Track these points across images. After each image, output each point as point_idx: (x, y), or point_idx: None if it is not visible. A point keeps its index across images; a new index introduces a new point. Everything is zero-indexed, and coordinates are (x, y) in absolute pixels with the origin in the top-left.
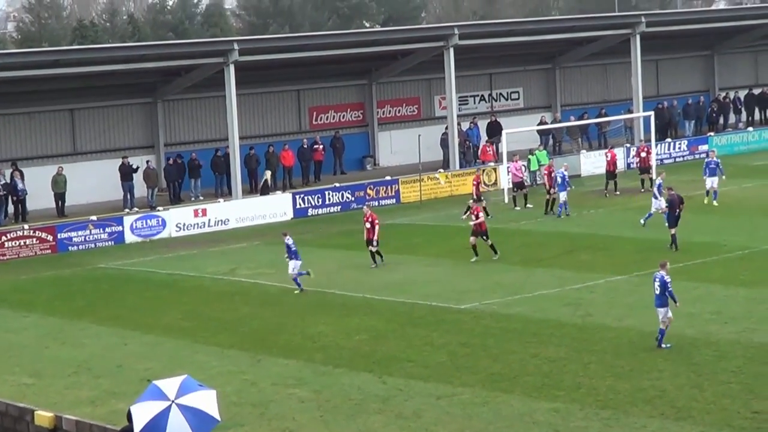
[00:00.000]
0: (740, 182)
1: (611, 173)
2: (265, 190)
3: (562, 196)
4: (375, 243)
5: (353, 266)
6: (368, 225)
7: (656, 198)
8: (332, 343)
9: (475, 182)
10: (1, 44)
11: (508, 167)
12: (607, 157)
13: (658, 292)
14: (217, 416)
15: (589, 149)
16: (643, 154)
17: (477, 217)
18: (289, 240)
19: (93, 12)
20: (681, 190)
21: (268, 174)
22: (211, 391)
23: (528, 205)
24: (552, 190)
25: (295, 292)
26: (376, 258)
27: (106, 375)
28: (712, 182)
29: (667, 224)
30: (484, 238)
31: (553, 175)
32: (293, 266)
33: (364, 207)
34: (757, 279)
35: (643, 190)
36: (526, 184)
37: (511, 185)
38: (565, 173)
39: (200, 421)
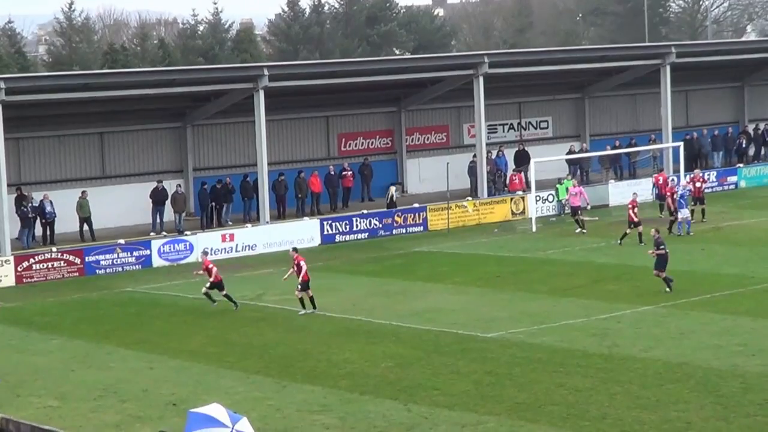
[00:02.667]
0: None
1: (663, 196)
2: (392, 204)
3: (686, 213)
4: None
5: (380, 293)
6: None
7: None
8: (358, 370)
9: (630, 206)
10: (32, 67)
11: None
12: (659, 181)
13: None
14: None
15: (618, 179)
16: (698, 184)
17: (299, 267)
18: None
19: (124, 36)
20: (710, 221)
21: (393, 189)
22: (245, 418)
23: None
24: (675, 213)
25: None
26: (212, 296)
27: (132, 399)
28: None
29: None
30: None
31: (675, 196)
32: None
33: (200, 255)
34: None
35: (699, 220)
36: (580, 210)
37: (569, 210)
38: (685, 192)
39: None
